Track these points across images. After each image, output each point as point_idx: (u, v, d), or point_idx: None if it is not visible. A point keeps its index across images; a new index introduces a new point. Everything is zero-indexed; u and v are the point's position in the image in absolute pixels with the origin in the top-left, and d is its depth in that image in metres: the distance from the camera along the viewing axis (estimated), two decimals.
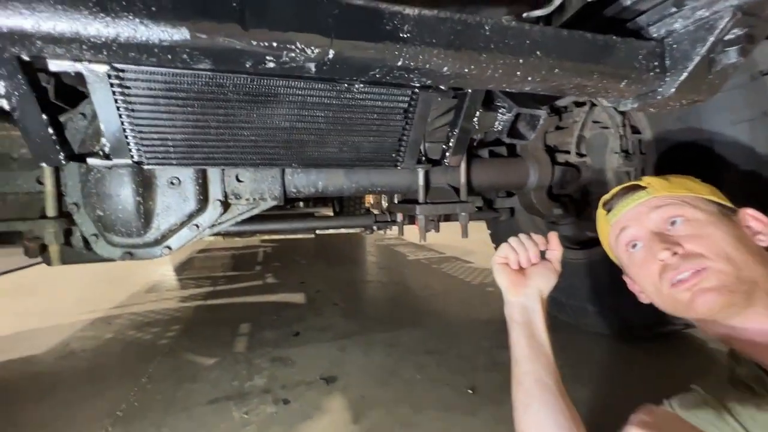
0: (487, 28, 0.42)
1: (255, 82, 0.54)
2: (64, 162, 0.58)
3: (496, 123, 0.67)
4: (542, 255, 0.77)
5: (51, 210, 0.96)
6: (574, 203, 1.56)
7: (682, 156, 1.11)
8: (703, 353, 1.30)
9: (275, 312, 1.88)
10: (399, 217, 1.51)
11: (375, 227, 1.60)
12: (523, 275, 0.75)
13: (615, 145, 1.32)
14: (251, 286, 2.46)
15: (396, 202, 1.41)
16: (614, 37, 0.48)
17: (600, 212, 0.76)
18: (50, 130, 0.53)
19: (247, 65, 0.37)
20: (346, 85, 0.57)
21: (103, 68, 0.47)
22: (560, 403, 0.65)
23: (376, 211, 2.45)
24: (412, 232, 1.49)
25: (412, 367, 1.25)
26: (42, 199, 0.97)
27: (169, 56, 0.35)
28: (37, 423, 1.00)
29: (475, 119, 0.67)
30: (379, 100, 0.62)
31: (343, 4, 0.37)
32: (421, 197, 1.25)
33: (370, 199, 4.05)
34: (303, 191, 1.22)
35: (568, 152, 1.48)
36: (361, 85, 0.58)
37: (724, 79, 0.52)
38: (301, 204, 4.39)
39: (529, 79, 0.45)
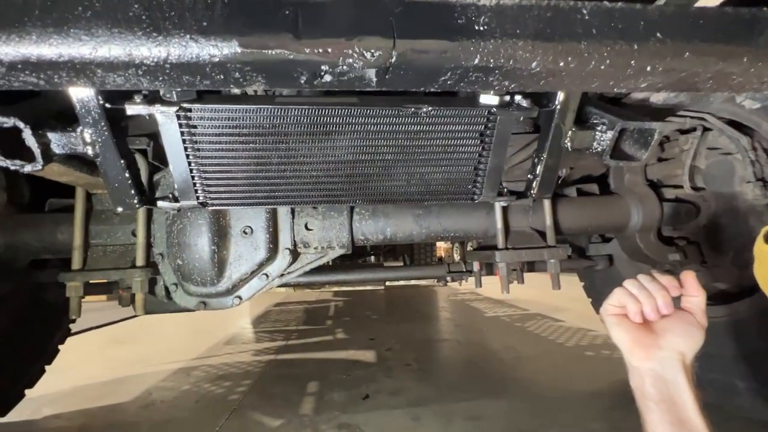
0: (585, 11, 0.33)
1: (314, 113, 0.51)
2: (137, 206, 0.61)
3: (595, 143, 0.55)
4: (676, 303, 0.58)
5: (140, 259, 1.03)
6: (695, 246, 1.27)
7: None
8: None
9: (344, 371, 1.77)
10: (476, 266, 1.37)
11: (449, 278, 1.48)
12: (652, 332, 0.56)
13: (747, 173, 1.07)
14: (322, 341, 2.41)
15: (472, 249, 1.28)
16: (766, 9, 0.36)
17: (763, 248, 0.56)
18: (127, 175, 0.56)
19: (302, 80, 0.33)
20: (412, 109, 0.51)
21: (172, 109, 0.48)
22: None
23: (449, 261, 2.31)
24: (489, 287, 1.32)
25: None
26: (134, 251, 1.06)
27: (222, 76, 0.33)
28: None
29: (568, 140, 0.56)
30: (450, 124, 0.55)
31: (405, 1, 0.32)
32: (500, 242, 1.11)
33: (441, 251, 3.91)
34: (371, 238, 1.17)
35: (678, 186, 1.24)
36: (430, 108, 0.51)
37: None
38: (372, 258, 4.40)
39: (648, 69, 0.35)
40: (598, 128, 0.57)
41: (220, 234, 0.98)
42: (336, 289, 4.32)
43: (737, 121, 1.07)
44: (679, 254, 1.24)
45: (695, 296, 0.56)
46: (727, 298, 1.19)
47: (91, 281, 1.03)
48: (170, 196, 0.63)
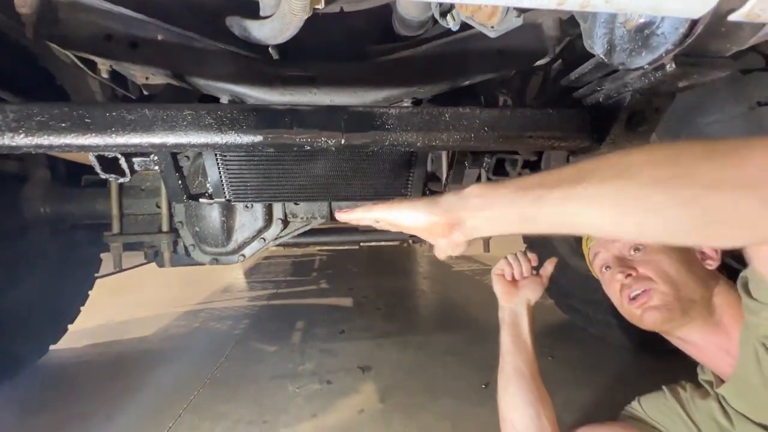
0: (447, 116, 0.62)
1: (303, 151, 0.81)
2: (185, 201, 0.89)
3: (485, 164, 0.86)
4: (537, 270, 0.94)
5: (165, 226, 1.32)
6: None
7: None
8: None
9: (326, 313, 2.16)
10: None
11: (410, 241, 1.81)
12: (516, 286, 0.92)
13: None
14: (307, 290, 2.80)
15: None
16: (550, 111, 0.66)
17: (583, 238, 0.89)
18: (179, 182, 0.84)
19: (295, 149, 0.62)
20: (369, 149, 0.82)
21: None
22: (533, 388, 0.81)
23: None
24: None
25: (436, 363, 1.43)
26: (159, 219, 1.34)
27: (251, 149, 0.61)
28: (152, 383, 1.36)
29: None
30: (389, 156, 0.85)
31: (349, 111, 0.60)
32: None
33: None
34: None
35: None
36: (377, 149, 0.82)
37: (647, 136, 0.67)
38: None
39: (482, 144, 0.65)
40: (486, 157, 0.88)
41: (228, 208, 1.27)
42: (321, 247, 4.69)
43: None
44: None
45: (546, 268, 0.91)
46: None
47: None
48: (207, 194, 0.91)
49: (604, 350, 1.54)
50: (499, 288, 0.93)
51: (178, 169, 0.82)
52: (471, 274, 3.18)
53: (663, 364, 1.35)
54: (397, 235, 1.81)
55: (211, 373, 1.43)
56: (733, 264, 0.82)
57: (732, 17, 0.40)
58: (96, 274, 1.75)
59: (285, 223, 1.38)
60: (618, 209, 0.36)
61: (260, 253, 1.44)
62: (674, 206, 0.34)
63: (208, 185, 0.92)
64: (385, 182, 0.95)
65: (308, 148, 0.62)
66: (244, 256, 1.40)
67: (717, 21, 0.41)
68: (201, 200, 0.94)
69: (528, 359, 0.85)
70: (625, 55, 0.55)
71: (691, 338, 0.72)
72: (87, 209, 1.33)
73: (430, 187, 1.06)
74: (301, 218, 1.40)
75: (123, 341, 1.80)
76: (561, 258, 1.78)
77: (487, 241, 1.50)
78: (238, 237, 1.33)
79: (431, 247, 0.54)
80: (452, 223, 0.47)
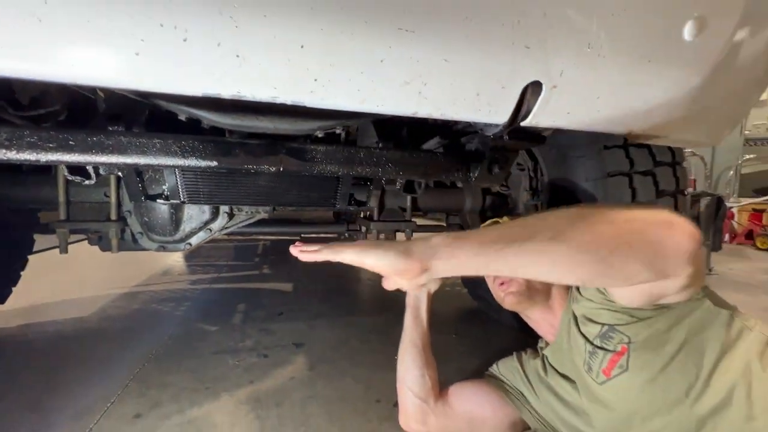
0: (361, 154, 0.85)
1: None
2: (143, 200, 1.03)
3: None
4: None
5: (113, 215, 1.40)
6: None
7: (560, 196, 1.53)
8: None
9: (267, 296, 2.33)
10: (363, 229, 1.96)
11: (346, 234, 2.04)
12: None
13: (526, 184, 1.75)
14: (250, 275, 2.92)
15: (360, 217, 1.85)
16: (438, 155, 0.91)
17: None
18: (139, 185, 0.97)
19: (243, 170, 0.81)
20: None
21: None
22: (422, 355, 1.07)
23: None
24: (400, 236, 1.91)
25: (360, 340, 1.69)
26: (106, 207, 1.42)
27: (207, 169, 0.79)
28: (96, 358, 1.46)
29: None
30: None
31: (287, 146, 0.81)
32: (375, 216, 1.68)
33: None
34: (288, 208, 1.66)
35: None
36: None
37: (501, 177, 0.95)
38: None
39: (389, 175, 0.89)
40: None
41: (176, 204, 1.40)
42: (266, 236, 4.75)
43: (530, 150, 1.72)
44: None
45: None
46: None
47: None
48: (164, 195, 1.05)
49: (498, 329, 1.89)
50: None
51: (139, 174, 0.96)
52: None
53: (534, 340, 1.73)
54: (337, 228, 2.03)
55: (155, 349, 1.56)
56: None
57: (523, 124, 0.67)
58: (29, 255, 1.76)
59: (231, 216, 1.53)
60: (554, 264, 0.54)
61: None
62: (589, 263, 0.54)
63: (164, 188, 1.07)
64: (318, 193, 1.16)
65: (253, 171, 0.81)
66: (190, 244, 1.53)
67: (518, 123, 0.68)
68: (159, 201, 1.08)
69: (422, 334, 1.11)
70: (482, 125, 0.81)
71: (533, 316, 1.03)
72: (32, 195, 1.38)
73: (356, 197, 1.29)
74: (246, 212, 1.56)
75: (60, 321, 1.84)
76: None
77: (408, 238, 1.76)
78: (186, 228, 1.46)
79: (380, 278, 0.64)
80: (423, 268, 0.58)
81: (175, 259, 3.47)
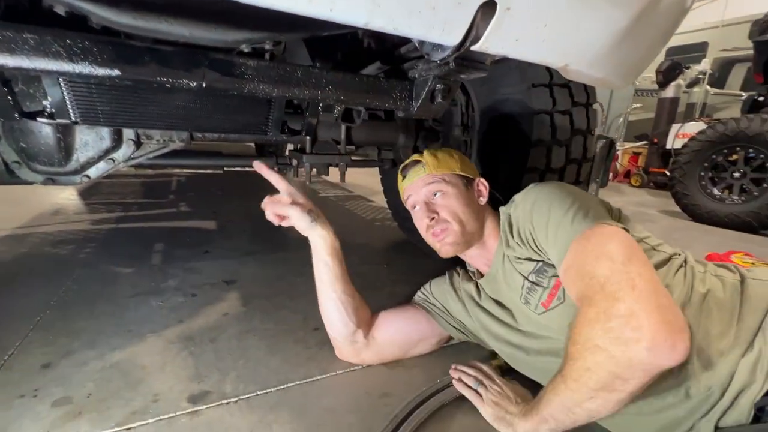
0: (299, 73, 0.76)
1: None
2: (17, 118, 0.81)
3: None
4: None
5: None
6: None
7: (491, 134, 1.60)
8: None
9: (188, 236, 2.17)
10: (294, 162, 1.85)
11: (276, 168, 1.92)
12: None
13: (457, 119, 1.78)
14: (165, 213, 2.66)
15: (290, 150, 1.74)
16: (381, 78, 0.86)
17: (399, 176, 1.10)
18: (8, 97, 0.76)
19: (154, 85, 0.68)
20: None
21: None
22: (341, 300, 1.05)
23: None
24: (332, 172, 1.83)
25: (296, 275, 1.69)
26: None
27: (105, 81, 0.64)
28: None
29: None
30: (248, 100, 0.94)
31: (211, 57, 0.68)
32: (308, 148, 1.59)
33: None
34: (208, 137, 1.48)
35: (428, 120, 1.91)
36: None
37: (442, 107, 0.94)
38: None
39: (328, 99, 0.82)
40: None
41: (64, 125, 1.16)
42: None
43: (464, 85, 1.72)
44: None
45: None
46: None
47: None
48: (46, 113, 0.84)
49: (426, 259, 2.02)
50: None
51: (6, 83, 0.74)
52: (335, 200, 3.47)
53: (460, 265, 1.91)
54: (265, 162, 1.89)
55: (58, 296, 1.38)
56: (495, 194, 1.22)
57: (473, 48, 0.64)
58: None
59: (138, 144, 1.32)
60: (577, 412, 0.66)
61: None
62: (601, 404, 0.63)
63: (46, 103, 0.85)
64: (247, 118, 1.04)
65: (168, 86, 0.69)
66: (88, 177, 1.30)
67: (468, 47, 0.66)
68: (39, 119, 0.86)
69: (333, 279, 1.09)
70: (430, 49, 0.77)
71: (468, 254, 1.06)
72: None
73: (289, 125, 1.19)
74: (158, 140, 1.36)
75: None
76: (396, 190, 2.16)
77: (343, 173, 1.73)
78: (80, 156, 1.23)
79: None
80: None
81: (68, 197, 3.00)
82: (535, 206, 0.84)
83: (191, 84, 0.68)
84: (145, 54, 0.64)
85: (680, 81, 5.58)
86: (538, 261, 0.86)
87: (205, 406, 0.89)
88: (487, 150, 1.61)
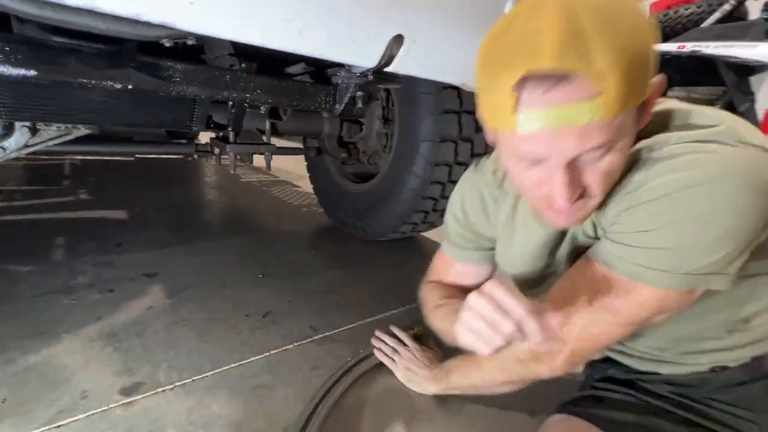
0: (227, 77, 0.80)
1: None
2: None
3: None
4: None
5: None
6: (358, 150, 2.14)
7: (407, 128, 1.75)
8: (418, 247, 2.15)
9: (95, 226, 2.00)
10: (216, 150, 1.82)
11: (195, 156, 1.86)
12: None
13: (378, 113, 1.90)
14: (61, 202, 2.39)
15: (211, 138, 1.70)
16: (307, 83, 0.93)
17: (503, 89, 0.46)
18: None
19: (76, 86, 0.67)
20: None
21: None
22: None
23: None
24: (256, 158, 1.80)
25: (224, 263, 1.70)
26: None
27: (23, 81, 0.62)
28: None
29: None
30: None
31: (138, 60, 0.69)
32: (231, 138, 1.59)
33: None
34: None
35: None
36: None
37: (363, 111, 1.05)
38: None
39: (256, 101, 0.88)
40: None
41: None
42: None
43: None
44: (346, 153, 2.08)
45: None
46: (365, 179, 2.15)
47: None
48: None
49: (353, 244, 2.15)
50: None
51: None
52: (259, 185, 3.41)
53: (384, 248, 2.08)
54: (184, 149, 1.82)
55: None
56: None
57: (386, 70, 0.76)
58: None
59: (33, 130, 1.22)
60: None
61: None
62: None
63: None
64: (171, 113, 1.03)
65: (90, 87, 0.69)
66: None
67: (382, 69, 0.77)
68: None
69: None
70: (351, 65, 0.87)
71: None
72: None
73: (215, 120, 1.20)
74: (58, 127, 1.26)
75: None
76: (330, 176, 2.24)
77: (268, 161, 1.75)
78: None
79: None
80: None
81: None
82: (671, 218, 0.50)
83: (116, 86, 0.69)
84: (66, 55, 0.64)
85: None
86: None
87: (139, 396, 0.92)
88: (404, 143, 1.76)
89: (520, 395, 0.81)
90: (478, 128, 1.74)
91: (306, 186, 3.00)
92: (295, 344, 1.19)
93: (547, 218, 0.59)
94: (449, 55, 0.82)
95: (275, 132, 1.77)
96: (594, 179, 0.51)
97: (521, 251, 0.73)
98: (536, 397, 0.91)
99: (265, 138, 1.69)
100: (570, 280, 0.64)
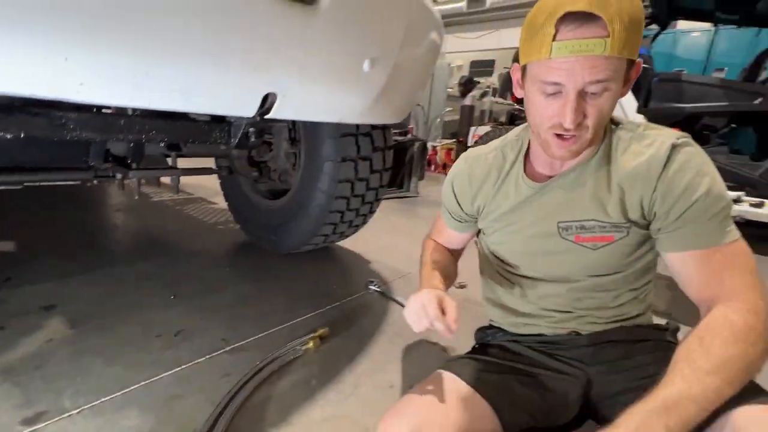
0: (122, 122, 0.90)
1: None
2: None
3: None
4: None
5: None
6: (269, 168, 2.25)
7: (312, 145, 1.92)
8: (331, 257, 2.32)
9: None
10: (119, 175, 1.81)
11: (96, 181, 1.82)
12: None
13: (285, 135, 2.05)
14: None
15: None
16: (202, 123, 1.06)
17: (544, 28, 0.63)
18: None
19: None
20: None
21: None
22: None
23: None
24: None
25: (130, 289, 1.69)
26: None
27: None
28: None
29: None
30: None
31: (34, 112, 0.77)
32: (133, 166, 1.61)
33: None
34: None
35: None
36: None
37: (258, 143, 1.20)
38: None
39: (152, 141, 0.98)
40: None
41: None
42: None
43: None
44: (257, 172, 2.19)
45: None
46: (277, 196, 2.26)
47: None
48: None
49: (268, 257, 2.25)
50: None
51: None
52: (171, 204, 3.30)
53: (299, 260, 2.21)
54: (81, 175, 1.77)
55: None
56: None
57: (266, 117, 0.93)
58: None
59: None
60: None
61: None
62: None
63: None
64: (66, 151, 1.08)
65: None
66: None
67: (262, 117, 0.94)
68: None
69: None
70: None
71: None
72: None
73: (114, 152, 1.25)
74: None
75: None
76: (244, 193, 2.32)
77: (176, 185, 1.79)
78: None
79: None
80: None
81: None
82: (701, 186, 0.68)
83: (7, 136, 0.76)
84: None
85: (474, 92, 7.10)
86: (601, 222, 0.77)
87: (43, 424, 0.96)
88: (310, 162, 1.93)
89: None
90: (375, 148, 1.98)
91: (223, 202, 3.00)
92: (207, 357, 1.28)
93: (552, 147, 0.72)
94: (320, 102, 1.01)
95: (183, 154, 1.82)
96: (592, 113, 0.66)
97: (510, 206, 0.86)
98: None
99: (170, 163, 1.73)
100: (691, 274, 0.71)
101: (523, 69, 0.72)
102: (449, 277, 0.93)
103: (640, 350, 0.82)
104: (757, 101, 3.06)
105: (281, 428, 1.03)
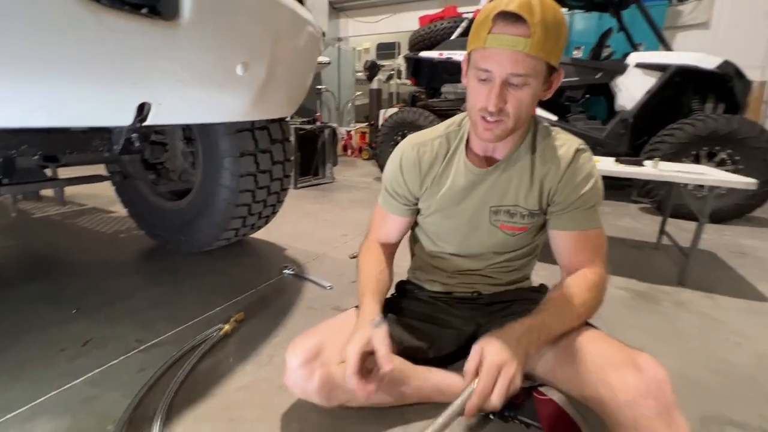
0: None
1: None
2: None
3: None
4: None
5: None
6: (167, 169, 2.21)
7: (209, 143, 1.94)
8: (244, 249, 2.38)
9: None
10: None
11: None
12: None
13: (179, 135, 2.04)
14: None
15: None
16: (79, 133, 1.08)
17: (484, 23, 0.77)
18: None
19: None
20: None
21: None
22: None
23: None
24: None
25: (25, 311, 1.60)
26: None
27: None
28: None
29: None
30: None
31: None
32: (4, 181, 1.51)
33: None
34: None
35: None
36: None
37: (143, 148, 1.25)
38: None
39: (25, 154, 0.99)
40: None
41: None
42: None
43: None
44: (154, 174, 2.14)
45: None
46: (181, 195, 2.24)
47: None
48: None
49: (178, 258, 2.24)
50: None
51: None
52: (60, 218, 3.02)
53: (212, 257, 2.23)
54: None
55: None
56: None
57: (144, 124, 1.00)
58: None
59: None
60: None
61: None
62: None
63: None
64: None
65: None
66: None
67: (140, 125, 1.00)
68: None
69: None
70: None
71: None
72: None
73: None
74: None
75: None
76: (144, 197, 2.25)
77: (60, 196, 1.71)
78: None
79: None
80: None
81: None
82: (588, 184, 0.91)
83: None
84: None
85: (380, 76, 7.33)
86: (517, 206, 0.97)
87: None
88: (209, 159, 1.96)
89: None
90: (273, 140, 2.07)
91: (122, 210, 2.85)
92: (121, 358, 1.32)
93: (479, 129, 0.85)
94: (199, 105, 1.10)
95: (63, 164, 1.73)
96: (512, 102, 0.79)
97: (450, 188, 0.98)
98: None
99: (51, 174, 1.64)
100: (568, 247, 0.95)
101: (468, 58, 0.84)
102: (386, 288, 1.02)
103: (518, 305, 1.08)
104: (597, 75, 3.72)
105: (202, 402, 1.14)
